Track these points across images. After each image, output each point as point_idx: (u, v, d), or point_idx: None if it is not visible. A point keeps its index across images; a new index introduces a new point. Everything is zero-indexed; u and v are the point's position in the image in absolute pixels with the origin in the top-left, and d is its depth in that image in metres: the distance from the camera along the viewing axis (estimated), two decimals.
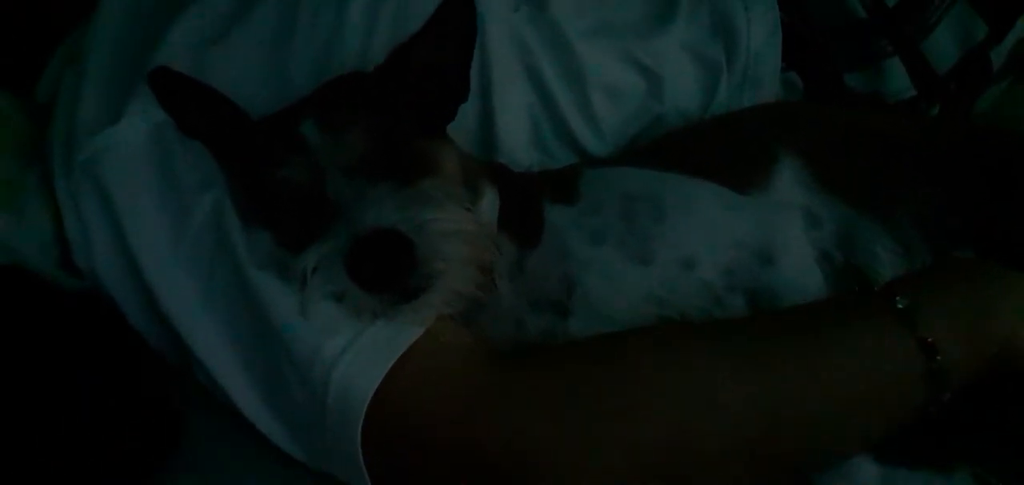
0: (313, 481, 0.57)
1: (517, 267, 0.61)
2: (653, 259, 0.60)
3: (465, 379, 0.52)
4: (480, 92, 0.72)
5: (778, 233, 0.61)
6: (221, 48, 0.63)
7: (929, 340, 0.52)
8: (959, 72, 0.85)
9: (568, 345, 0.58)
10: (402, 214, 0.51)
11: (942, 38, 0.86)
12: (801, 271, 0.61)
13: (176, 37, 0.63)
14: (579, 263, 0.60)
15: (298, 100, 0.59)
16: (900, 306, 0.54)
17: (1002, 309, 0.55)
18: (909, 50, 0.83)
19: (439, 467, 0.52)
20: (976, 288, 0.56)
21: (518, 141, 0.75)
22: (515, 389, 0.52)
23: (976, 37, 0.86)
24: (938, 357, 0.52)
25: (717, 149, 0.71)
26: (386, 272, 0.51)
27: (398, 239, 0.50)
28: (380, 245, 0.50)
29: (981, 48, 0.85)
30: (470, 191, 0.60)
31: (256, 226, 0.56)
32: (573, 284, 0.60)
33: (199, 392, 0.59)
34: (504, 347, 0.59)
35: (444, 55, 0.61)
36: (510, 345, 0.59)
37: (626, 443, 0.51)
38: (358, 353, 0.51)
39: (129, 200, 0.59)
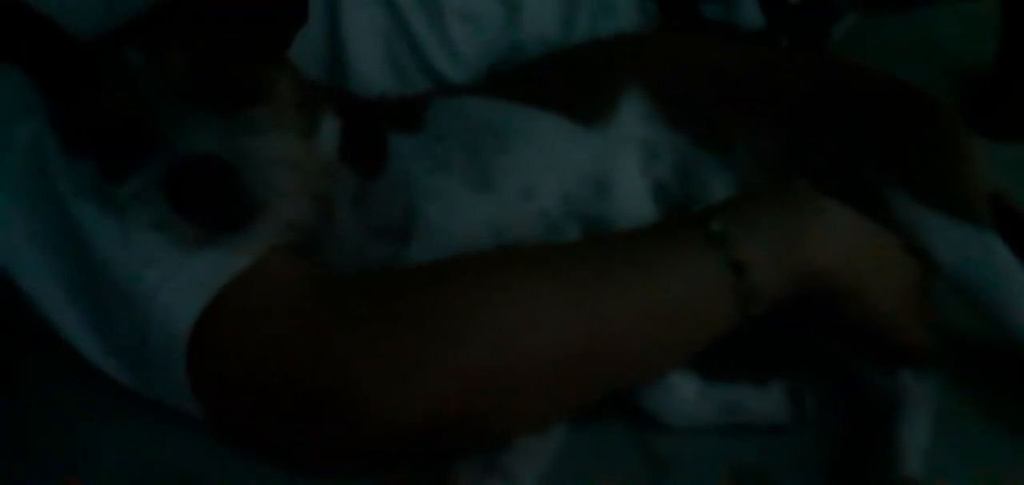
0: (154, 417, 0.56)
1: (359, 196, 0.61)
2: (493, 188, 0.61)
3: (291, 309, 0.52)
4: (328, 16, 0.70)
5: (613, 164, 0.64)
6: None
7: (737, 259, 0.55)
8: (809, 3, 0.88)
9: (395, 271, 0.58)
10: (224, 141, 0.50)
11: None
12: (633, 201, 0.63)
13: None
14: (421, 190, 0.61)
15: (125, 23, 0.57)
16: (713, 228, 0.56)
17: (807, 232, 0.58)
18: None
19: (267, 398, 0.52)
20: (785, 212, 0.58)
21: (371, 68, 0.74)
22: (338, 318, 0.52)
23: None
24: (746, 276, 0.55)
25: (567, 82, 0.72)
26: (206, 200, 0.50)
27: (219, 166, 0.49)
28: (199, 172, 0.49)
29: None
30: (307, 119, 0.59)
31: (78, 156, 0.54)
32: (414, 212, 0.60)
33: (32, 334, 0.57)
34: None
35: None
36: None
37: (447, 366, 0.51)
38: (180, 283, 0.50)
39: None
